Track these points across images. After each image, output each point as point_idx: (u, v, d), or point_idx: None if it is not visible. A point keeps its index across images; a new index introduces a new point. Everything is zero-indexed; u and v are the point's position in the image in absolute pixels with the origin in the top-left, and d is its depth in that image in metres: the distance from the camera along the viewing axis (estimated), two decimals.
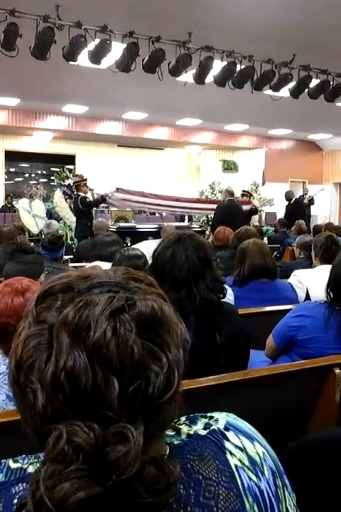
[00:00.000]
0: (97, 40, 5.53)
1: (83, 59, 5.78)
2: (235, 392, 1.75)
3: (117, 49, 5.72)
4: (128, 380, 0.58)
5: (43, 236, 8.86)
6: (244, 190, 10.43)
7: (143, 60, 5.92)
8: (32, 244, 6.65)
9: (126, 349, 0.58)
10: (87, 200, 8.53)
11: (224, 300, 2.02)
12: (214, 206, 8.55)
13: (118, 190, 8.98)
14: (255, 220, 11.93)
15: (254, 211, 9.79)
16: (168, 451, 0.68)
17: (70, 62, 5.77)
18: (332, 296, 2.27)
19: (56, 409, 0.58)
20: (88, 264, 4.38)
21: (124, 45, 5.71)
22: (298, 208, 10.35)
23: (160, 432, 0.65)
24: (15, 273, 2.19)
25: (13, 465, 0.69)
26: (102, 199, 8.65)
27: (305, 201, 10.63)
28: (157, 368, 0.60)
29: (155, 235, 7.37)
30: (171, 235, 2.03)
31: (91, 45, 5.57)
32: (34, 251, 3.59)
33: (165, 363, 0.61)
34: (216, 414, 0.81)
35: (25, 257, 2.94)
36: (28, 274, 2.01)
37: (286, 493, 0.76)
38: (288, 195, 10.72)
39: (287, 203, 10.82)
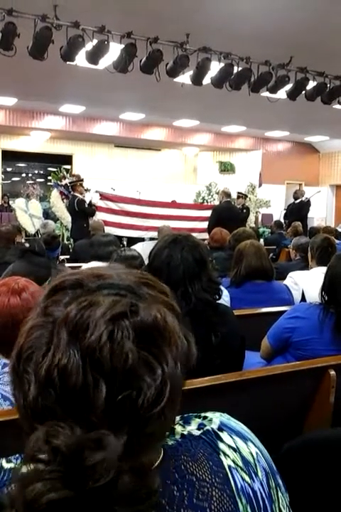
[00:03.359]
0: (95, 41, 5.53)
1: (81, 59, 5.77)
2: (230, 394, 1.76)
3: (115, 50, 5.72)
4: (119, 387, 0.57)
5: (40, 236, 8.84)
6: (239, 192, 10.45)
7: (140, 61, 5.92)
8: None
9: (120, 355, 0.58)
10: (84, 205, 8.49)
11: (219, 301, 2.02)
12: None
13: (101, 197, 8.78)
14: (251, 221, 11.95)
15: (246, 208, 9.88)
16: (160, 458, 0.67)
17: (68, 63, 5.76)
18: (326, 298, 2.28)
19: (46, 404, 0.58)
20: (84, 265, 4.39)
21: (122, 46, 5.70)
22: (301, 209, 10.40)
23: (149, 444, 0.63)
24: (20, 272, 2.17)
25: (6, 465, 0.69)
26: (93, 210, 8.56)
27: (304, 199, 10.70)
28: (150, 379, 0.59)
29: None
30: (167, 236, 2.04)
31: (89, 46, 5.56)
32: (45, 254, 3.56)
33: (159, 376, 0.60)
34: (209, 415, 0.81)
35: (37, 258, 2.91)
36: (34, 277, 1.98)
37: (279, 494, 0.76)
38: (296, 195, 10.77)
39: (293, 200, 10.86)
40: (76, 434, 0.54)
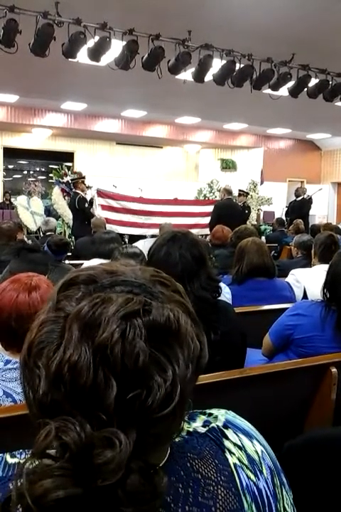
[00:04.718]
0: (97, 38, 5.52)
1: (82, 56, 5.77)
2: (231, 391, 1.76)
3: (116, 46, 5.71)
4: (129, 385, 0.57)
5: (41, 233, 8.85)
6: (240, 190, 10.45)
7: (142, 58, 5.91)
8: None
9: (131, 354, 0.58)
10: (84, 204, 8.48)
11: (221, 298, 2.01)
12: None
13: (99, 193, 8.74)
14: (253, 219, 11.94)
15: (247, 208, 9.90)
16: (166, 456, 0.67)
17: (69, 59, 5.75)
18: (328, 295, 2.27)
19: (56, 400, 0.58)
20: (86, 262, 4.39)
21: (124, 43, 5.70)
22: (303, 206, 10.41)
23: (157, 444, 0.63)
24: (19, 270, 2.16)
25: (10, 460, 0.69)
26: (91, 213, 8.51)
27: (305, 197, 10.71)
28: (160, 379, 0.59)
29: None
30: (166, 233, 2.03)
31: (91, 42, 5.56)
32: (40, 250, 3.54)
33: (170, 376, 0.59)
34: (215, 411, 0.81)
35: (33, 255, 2.90)
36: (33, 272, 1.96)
37: (284, 492, 0.76)
38: (298, 192, 10.78)
39: (294, 198, 10.88)
40: (86, 431, 0.54)
